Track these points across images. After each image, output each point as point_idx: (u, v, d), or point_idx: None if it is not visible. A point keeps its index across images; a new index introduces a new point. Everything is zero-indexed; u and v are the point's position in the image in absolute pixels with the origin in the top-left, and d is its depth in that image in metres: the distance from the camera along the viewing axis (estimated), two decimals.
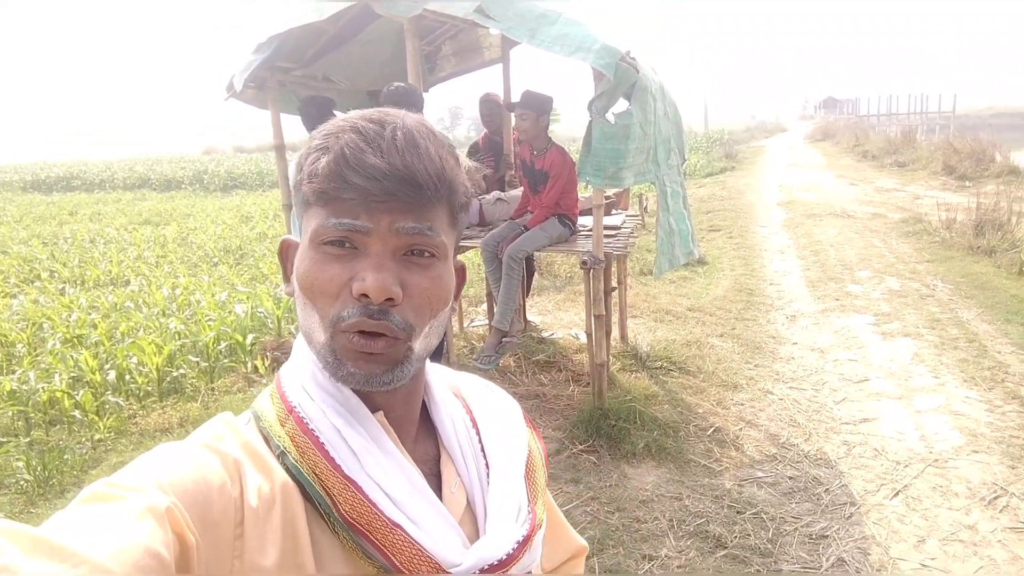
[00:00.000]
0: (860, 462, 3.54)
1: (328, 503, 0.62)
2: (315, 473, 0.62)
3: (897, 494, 3.22)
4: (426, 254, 0.65)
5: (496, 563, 0.66)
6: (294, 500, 0.62)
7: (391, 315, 0.63)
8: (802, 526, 3.02)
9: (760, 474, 3.45)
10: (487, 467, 0.74)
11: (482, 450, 0.75)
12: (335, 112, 3.65)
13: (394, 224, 0.63)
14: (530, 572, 0.71)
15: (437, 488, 0.70)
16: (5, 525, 0.46)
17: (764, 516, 3.09)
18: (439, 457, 0.74)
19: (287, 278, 0.72)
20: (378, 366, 0.64)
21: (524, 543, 0.70)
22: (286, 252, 0.72)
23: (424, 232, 0.64)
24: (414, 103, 3.47)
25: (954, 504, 3.14)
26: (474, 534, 0.70)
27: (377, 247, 0.63)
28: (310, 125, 3.72)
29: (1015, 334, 5.17)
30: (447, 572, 0.64)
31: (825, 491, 3.28)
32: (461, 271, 0.75)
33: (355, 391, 0.68)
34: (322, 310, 0.64)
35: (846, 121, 39.35)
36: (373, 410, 0.68)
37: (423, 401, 0.76)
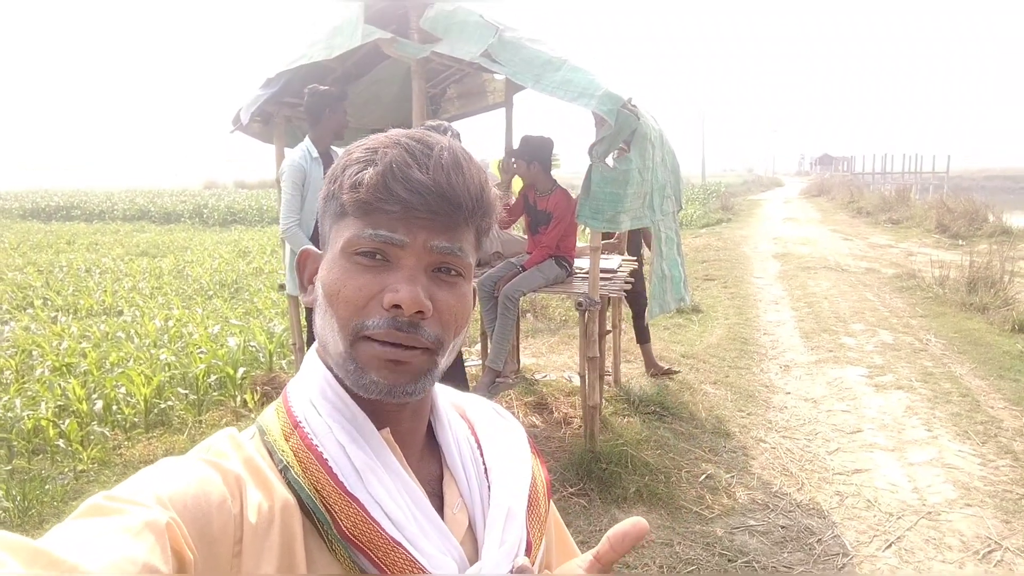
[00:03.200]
0: (853, 513, 3.51)
1: (328, 520, 0.62)
2: (316, 489, 0.62)
3: (890, 546, 3.18)
4: (453, 272, 0.67)
5: None
6: (293, 517, 0.61)
7: (421, 328, 0.64)
8: None
9: (752, 522, 3.41)
10: (489, 490, 0.73)
11: (485, 472, 0.75)
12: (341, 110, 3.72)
13: (429, 242, 0.64)
14: None
15: (439, 508, 0.70)
16: (5, 537, 0.45)
17: (756, 565, 3.04)
18: (442, 477, 0.73)
19: (303, 288, 0.74)
20: (403, 376, 0.64)
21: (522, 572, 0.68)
22: (304, 263, 0.74)
23: (455, 252, 0.66)
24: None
25: (948, 557, 3.10)
26: (475, 556, 0.69)
27: (410, 261, 0.64)
28: (313, 120, 3.75)
29: (1008, 389, 5.17)
30: None
31: (817, 541, 3.24)
32: (472, 295, 0.75)
33: (363, 407, 0.67)
34: (343, 318, 0.64)
35: (841, 178, 39.94)
36: (379, 427, 0.68)
37: (428, 420, 0.76)
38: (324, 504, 0.62)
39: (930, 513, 3.48)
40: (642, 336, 5.52)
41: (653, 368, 5.51)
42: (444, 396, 0.79)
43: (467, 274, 0.69)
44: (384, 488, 0.64)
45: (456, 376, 3.53)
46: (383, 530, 0.62)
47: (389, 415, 0.69)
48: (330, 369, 0.69)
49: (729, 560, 3.07)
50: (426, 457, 0.74)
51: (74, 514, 0.52)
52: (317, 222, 0.70)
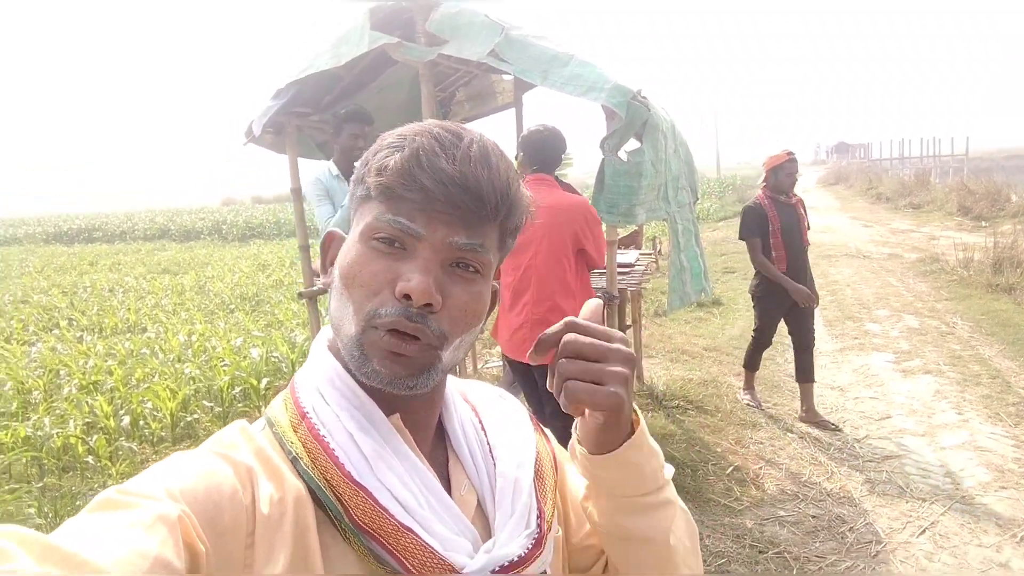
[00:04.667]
0: (885, 500, 3.45)
1: (339, 509, 0.61)
2: (326, 479, 0.62)
3: (924, 532, 3.12)
4: (471, 269, 0.66)
5: (508, 564, 0.65)
6: (306, 508, 0.61)
7: (428, 321, 0.63)
8: (827, 565, 2.93)
9: (782, 513, 3.36)
10: (495, 467, 0.74)
11: (490, 452, 0.75)
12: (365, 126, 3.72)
13: (448, 237, 0.64)
14: (545, 572, 0.70)
15: (448, 491, 0.70)
16: (17, 531, 0.45)
17: (787, 556, 3.00)
18: (448, 460, 0.73)
19: (324, 269, 0.73)
20: (404, 368, 0.64)
21: (537, 544, 0.69)
22: (329, 244, 0.74)
23: (475, 249, 0.65)
24: (366, 119, 3.69)
25: (984, 541, 3.04)
26: (487, 535, 0.69)
27: (426, 253, 0.64)
28: (333, 141, 3.78)
29: None
30: (460, 574, 0.62)
31: (849, 529, 3.19)
32: (494, 295, 0.74)
33: (372, 395, 0.67)
34: (358, 303, 0.64)
35: (859, 165, 39.45)
36: (390, 412, 0.68)
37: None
38: (335, 494, 0.62)
39: (964, 497, 3.42)
40: (804, 373, 4.58)
41: (809, 414, 4.54)
42: (449, 383, 0.80)
43: (485, 272, 0.68)
44: (394, 474, 0.64)
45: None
46: (392, 517, 0.61)
47: (399, 402, 0.69)
48: (338, 358, 0.69)
49: (760, 551, 3.03)
50: (434, 442, 0.74)
51: (86, 508, 0.52)
52: None
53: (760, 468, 3.83)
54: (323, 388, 0.68)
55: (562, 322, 0.65)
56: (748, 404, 4.76)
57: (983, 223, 12.96)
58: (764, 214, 4.45)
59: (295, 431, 0.65)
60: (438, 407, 0.75)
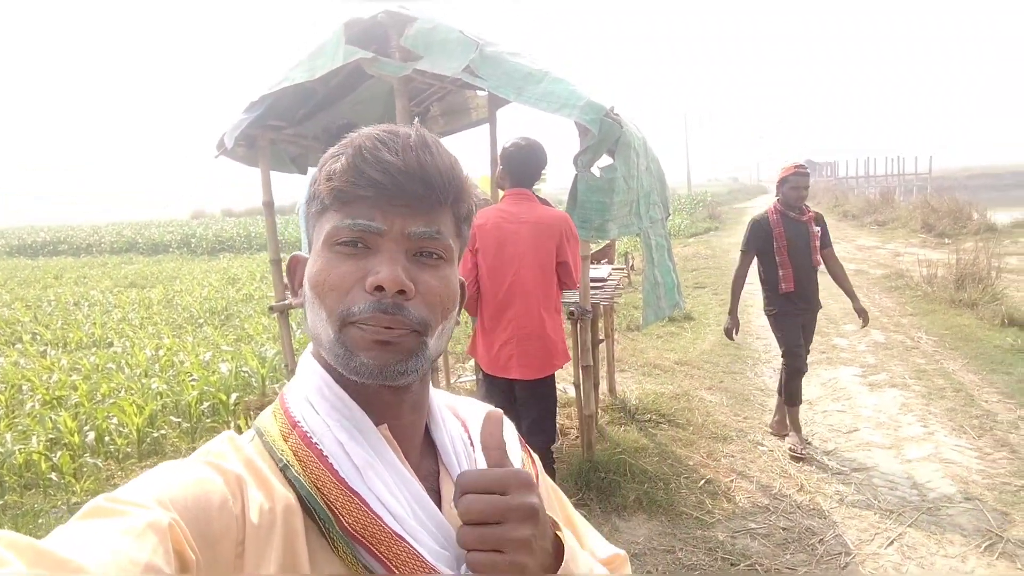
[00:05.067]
0: (853, 512, 3.50)
1: (329, 517, 0.62)
2: (317, 487, 0.62)
3: (892, 543, 3.17)
4: (434, 256, 0.68)
5: None
6: (294, 516, 0.61)
7: (405, 309, 0.64)
8: None
9: (753, 525, 3.39)
10: None
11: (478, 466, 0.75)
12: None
13: (407, 228, 0.66)
14: None
15: (437, 504, 0.70)
16: (9, 536, 0.45)
17: (759, 568, 3.03)
18: (439, 474, 0.74)
19: (295, 292, 0.75)
20: (392, 355, 0.64)
21: None
22: (294, 268, 0.75)
23: (433, 236, 0.67)
24: None
25: (950, 551, 3.09)
26: None
27: (390, 246, 0.65)
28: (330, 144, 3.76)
29: (1001, 383, 5.20)
30: None
31: (819, 541, 3.23)
32: (462, 286, 0.75)
33: (361, 403, 0.68)
34: (330, 307, 0.65)
35: (826, 183, 40.22)
36: (378, 423, 0.68)
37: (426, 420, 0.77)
38: (325, 501, 0.62)
39: (930, 509, 3.48)
40: (791, 396, 4.33)
41: (780, 429, 4.49)
42: (438, 397, 0.81)
43: (448, 257, 0.69)
44: (383, 484, 0.64)
45: (546, 429, 3.42)
46: (385, 524, 0.62)
47: (387, 410, 0.69)
48: (326, 368, 0.70)
49: (732, 564, 3.06)
50: (423, 455, 0.75)
51: (76, 516, 0.52)
52: None
53: (732, 481, 3.86)
54: (312, 398, 0.68)
55: (458, 475, 0.63)
56: (791, 451, 4.20)
57: (946, 240, 13.29)
58: (768, 229, 4.27)
59: (285, 440, 0.66)
60: (424, 416, 0.75)
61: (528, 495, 0.61)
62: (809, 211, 4.34)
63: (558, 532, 0.66)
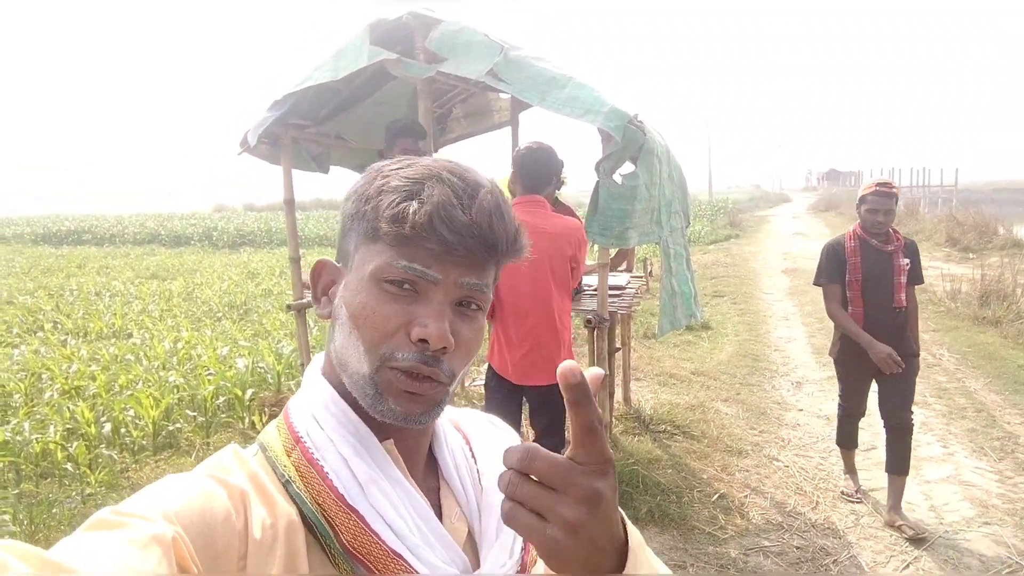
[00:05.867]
0: (869, 532, 3.44)
1: (330, 533, 0.62)
2: (318, 503, 0.63)
3: (908, 566, 3.11)
4: (473, 306, 0.69)
5: None
6: (296, 532, 0.62)
7: (442, 362, 0.66)
8: None
9: (766, 543, 3.35)
10: (483, 494, 0.75)
11: (480, 481, 0.76)
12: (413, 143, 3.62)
13: (461, 279, 0.67)
14: None
15: (439, 519, 0.70)
16: (16, 545, 0.46)
17: None
18: (439, 489, 0.75)
19: (317, 299, 0.75)
20: (418, 407, 0.66)
21: (522, 570, 0.70)
22: (319, 273, 0.75)
23: (483, 289, 0.69)
24: (419, 134, 3.57)
25: None
26: (477, 563, 0.70)
27: (439, 296, 0.66)
28: (389, 146, 3.70)
29: None
30: None
31: (833, 562, 3.18)
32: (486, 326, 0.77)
33: (366, 421, 0.69)
34: (370, 344, 0.66)
35: (849, 193, 39.82)
36: (383, 438, 0.69)
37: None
38: (326, 518, 0.63)
39: (947, 532, 3.42)
40: (894, 462, 3.61)
41: (893, 514, 3.54)
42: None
43: (485, 307, 0.71)
44: (387, 499, 0.65)
45: (556, 434, 3.41)
46: (383, 542, 0.63)
47: (394, 428, 0.70)
48: (335, 385, 0.71)
49: None
50: (425, 470, 0.76)
51: (81, 528, 0.53)
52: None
53: (746, 496, 3.81)
54: (318, 413, 0.69)
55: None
56: (843, 494, 3.89)
57: (971, 255, 13.08)
58: (842, 257, 3.62)
59: (288, 455, 0.66)
60: (430, 433, 0.76)
61: (597, 478, 0.50)
62: (898, 238, 3.60)
63: (627, 530, 0.57)
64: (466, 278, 0.67)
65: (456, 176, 0.66)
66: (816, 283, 3.78)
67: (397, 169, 0.68)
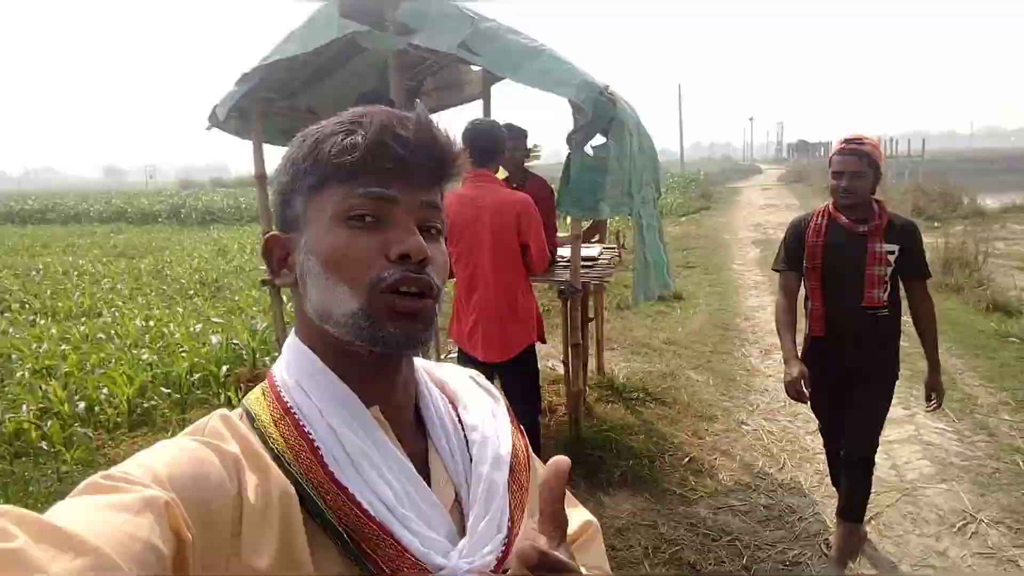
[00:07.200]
0: (833, 491, 3.56)
1: (321, 506, 0.62)
2: (308, 476, 0.63)
3: (869, 521, 3.24)
4: (434, 230, 0.72)
5: (482, 566, 0.66)
6: (291, 501, 0.62)
7: (428, 272, 0.68)
8: (776, 553, 3.04)
9: (735, 502, 3.46)
10: (472, 462, 0.74)
11: (468, 446, 0.76)
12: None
13: (419, 197, 0.69)
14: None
15: (426, 481, 0.70)
16: (13, 510, 0.46)
17: (739, 543, 3.10)
18: (427, 451, 0.74)
19: (276, 273, 0.74)
20: (418, 325, 0.67)
21: (508, 549, 0.69)
22: (271, 248, 0.74)
23: (437, 206, 0.72)
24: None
25: (925, 531, 3.18)
26: (463, 528, 0.70)
27: (403, 216, 0.68)
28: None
29: (983, 367, 5.28)
30: None
31: (799, 519, 3.30)
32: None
33: (352, 385, 0.68)
34: (353, 278, 0.66)
35: (819, 164, 40.17)
36: (369, 404, 0.69)
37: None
38: (316, 491, 0.63)
39: (908, 489, 3.56)
40: (849, 507, 2.84)
41: (843, 555, 2.85)
42: (424, 371, 0.81)
43: (443, 231, 0.74)
44: (376, 471, 0.65)
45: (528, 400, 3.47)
46: (372, 518, 0.63)
47: (379, 391, 0.70)
48: (317, 351, 0.70)
49: (713, 539, 3.13)
50: (414, 433, 0.75)
51: (73, 492, 0.52)
52: None
53: (715, 459, 3.93)
54: (304, 382, 0.69)
55: (527, 548, 0.51)
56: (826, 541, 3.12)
57: (936, 224, 13.34)
58: (804, 238, 2.84)
59: (277, 426, 0.66)
60: (413, 392, 0.76)
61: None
62: (879, 216, 2.71)
63: None
64: (423, 196, 0.69)
65: (386, 110, 0.69)
66: (774, 268, 3.01)
67: (327, 122, 0.70)
